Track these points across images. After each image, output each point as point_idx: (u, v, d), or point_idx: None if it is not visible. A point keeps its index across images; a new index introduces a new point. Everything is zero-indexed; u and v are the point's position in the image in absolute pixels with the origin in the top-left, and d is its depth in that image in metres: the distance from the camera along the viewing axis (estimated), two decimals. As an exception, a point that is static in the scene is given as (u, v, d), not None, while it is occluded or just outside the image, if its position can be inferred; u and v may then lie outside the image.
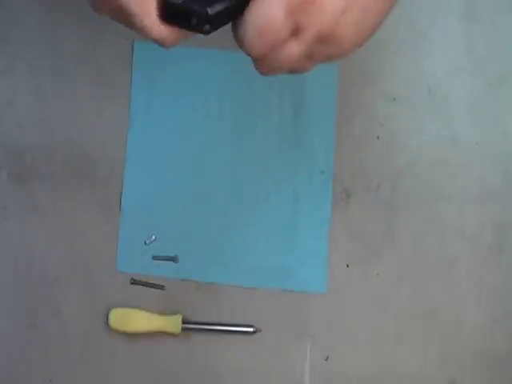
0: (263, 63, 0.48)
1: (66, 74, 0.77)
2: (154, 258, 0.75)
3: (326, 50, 0.47)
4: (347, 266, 0.76)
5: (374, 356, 0.75)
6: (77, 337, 0.74)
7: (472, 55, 0.79)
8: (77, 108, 0.77)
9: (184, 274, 0.75)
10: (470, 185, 0.78)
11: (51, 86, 0.77)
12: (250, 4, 0.45)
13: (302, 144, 0.77)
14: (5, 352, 0.74)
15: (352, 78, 0.79)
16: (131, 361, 0.74)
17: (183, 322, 0.74)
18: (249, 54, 0.47)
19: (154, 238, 0.76)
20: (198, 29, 0.46)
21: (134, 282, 0.75)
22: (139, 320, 0.73)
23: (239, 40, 0.46)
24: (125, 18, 0.46)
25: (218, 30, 0.46)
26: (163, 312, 0.74)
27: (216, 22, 0.46)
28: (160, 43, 0.48)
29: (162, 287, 0.75)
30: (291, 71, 0.49)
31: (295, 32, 0.45)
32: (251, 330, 0.75)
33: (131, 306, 0.74)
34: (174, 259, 0.75)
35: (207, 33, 0.46)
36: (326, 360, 0.75)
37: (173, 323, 0.73)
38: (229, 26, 0.47)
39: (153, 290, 0.75)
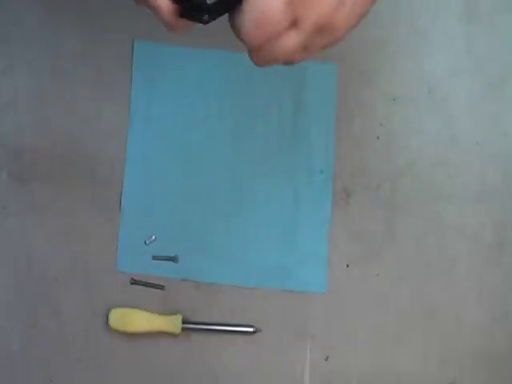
0: (259, 54, 0.47)
1: (66, 74, 0.77)
2: (154, 258, 0.75)
3: (322, 39, 0.47)
4: (347, 266, 0.76)
5: (374, 356, 0.75)
6: (77, 337, 0.74)
7: (472, 55, 0.79)
8: (77, 108, 0.77)
9: (184, 274, 0.75)
10: (470, 185, 0.78)
11: (51, 86, 0.77)
12: None
13: (302, 144, 0.77)
14: (5, 352, 0.74)
15: (352, 78, 0.79)
16: (131, 361, 0.74)
17: (183, 322, 0.74)
18: (245, 44, 0.47)
19: (153, 238, 0.76)
20: (197, 18, 0.46)
21: (134, 282, 0.75)
22: (139, 320, 0.73)
23: (236, 30, 0.46)
24: None
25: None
26: (163, 312, 0.74)
27: (214, 12, 0.46)
28: (169, 28, 0.48)
29: (162, 287, 0.75)
30: (286, 62, 0.49)
31: (294, 23, 0.45)
32: (251, 329, 0.75)
33: (131, 306, 0.74)
34: (174, 259, 0.75)
35: (206, 22, 0.46)
36: (326, 360, 0.75)
37: (173, 323, 0.73)
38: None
39: (153, 290, 0.75)
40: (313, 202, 0.77)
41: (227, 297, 0.75)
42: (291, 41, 0.46)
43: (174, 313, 0.74)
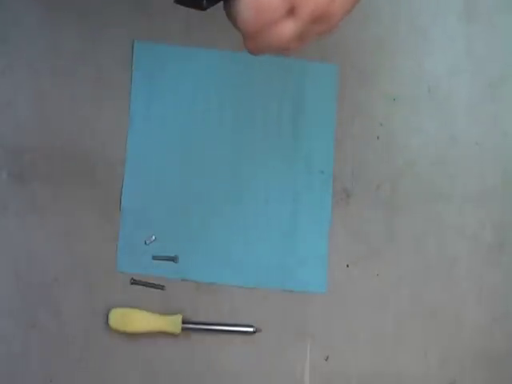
0: (254, 41, 0.47)
1: (66, 74, 0.77)
2: (154, 258, 0.75)
3: (318, 28, 0.47)
4: (347, 266, 0.76)
5: (374, 356, 0.76)
6: (77, 337, 0.74)
7: (472, 55, 0.79)
8: (77, 108, 0.77)
9: (184, 274, 0.75)
10: (470, 185, 0.78)
11: (51, 86, 0.77)
12: None
13: (302, 144, 0.77)
14: (5, 352, 0.74)
15: (352, 78, 0.79)
16: (131, 361, 0.74)
17: (183, 322, 0.74)
18: (240, 31, 0.47)
19: (154, 238, 0.76)
20: (195, 5, 0.46)
21: (134, 282, 0.75)
22: (139, 320, 0.73)
23: (232, 17, 0.46)
24: None
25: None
26: (163, 312, 0.74)
27: None
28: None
29: (162, 287, 0.75)
30: (281, 50, 0.49)
31: (291, 11, 0.45)
32: (251, 329, 0.75)
33: (131, 306, 0.74)
34: (174, 259, 0.75)
35: (204, 9, 0.46)
36: (326, 360, 0.75)
37: (173, 323, 0.73)
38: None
39: (153, 290, 0.75)
40: (313, 202, 0.77)
41: (227, 297, 0.75)
42: (287, 29, 0.46)
43: (174, 313, 0.74)
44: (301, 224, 0.76)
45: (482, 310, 0.77)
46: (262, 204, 0.76)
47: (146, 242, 0.75)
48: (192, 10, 0.47)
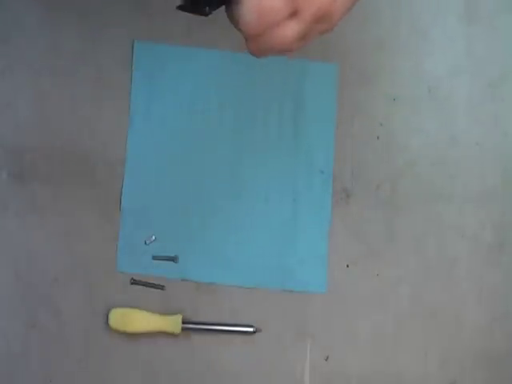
0: (256, 43, 0.47)
1: (66, 74, 0.77)
2: (154, 258, 0.75)
3: (320, 28, 0.47)
4: (347, 265, 0.76)
5: (374, 356, 0.75)
6: (77, 337, 0.74)
7: (472, 55, 0.79)
8: (77, 108, 0.77)
9: (184, 274, 0.75)
10: (470, 185, 0.78)
11: (51, 86, 0.77)
12: None
13: (302, 144, 0.77)
14: (5, 352, 0.74)
15: (352, 78, 0.79)
16: (131, 361, 0.74)
17: (183, 322, 0.74)
18: (243, 33, 0.47)
19: (153, 238, 0.76)
20: (198, 11, 0.46)
21: (134, 282, 0.75)
22: (139, 320, 0.73)
23: (234, 20, 0.46)
24: None
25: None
26: (163, 312, 0.74)
27: (215, 3, 0.46)
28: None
29: (162, 287, 0.75)
30: (283, 51, 0.49)
31: (294, 13, 0.45)
32: (251, 329, 0.75)
33: (131, 306, 0.74)
34: (174, 259, 0.75)
35: (207, 14, 0.46)
36: (326, 360, 0.75)
37: (173, 323, 0.73)
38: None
39: (153, 290, 0.75)
40: (313, 201, 0.77)
41: (227, 297, 0.75)
42: (290, 30, 0.46)
43: (174, 313, 0.74)
44: (301, 224, 0.76)
45: (481, 310, 0.77)
46: (261, 204, 0.76)
47: (145, 242, 0.75)
48: None
